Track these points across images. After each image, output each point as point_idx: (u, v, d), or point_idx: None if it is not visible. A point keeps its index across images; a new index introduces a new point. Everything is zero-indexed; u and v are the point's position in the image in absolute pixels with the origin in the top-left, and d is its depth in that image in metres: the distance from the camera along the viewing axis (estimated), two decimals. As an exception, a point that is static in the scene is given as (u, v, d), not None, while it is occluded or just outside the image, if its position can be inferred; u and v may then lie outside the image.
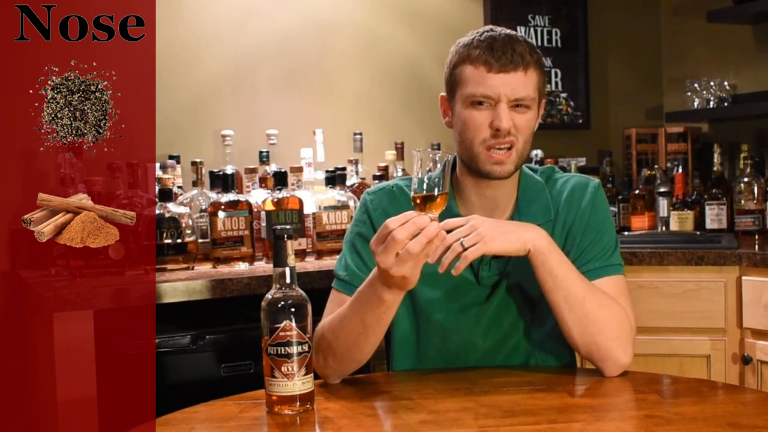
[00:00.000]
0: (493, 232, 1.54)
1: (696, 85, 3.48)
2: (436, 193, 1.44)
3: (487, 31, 1.66)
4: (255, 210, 2.54)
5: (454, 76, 1.67)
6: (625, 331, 1.62)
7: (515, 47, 1.62)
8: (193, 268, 2.40)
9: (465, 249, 1.51)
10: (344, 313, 1.57)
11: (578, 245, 1.69)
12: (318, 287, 2.04)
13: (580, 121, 3.69)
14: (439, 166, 1.45)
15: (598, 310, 1.60)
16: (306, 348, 1.41)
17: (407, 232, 1.40)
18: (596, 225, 1.71)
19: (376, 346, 1.60)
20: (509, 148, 1.64)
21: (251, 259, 2.47)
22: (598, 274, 1.67)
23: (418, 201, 1.45)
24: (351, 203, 2.64)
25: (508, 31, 1.67)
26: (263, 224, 2.52)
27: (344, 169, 2.84)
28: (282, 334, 1.40)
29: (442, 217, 1.48)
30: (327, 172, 2.70)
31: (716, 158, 3.21)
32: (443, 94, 1.73)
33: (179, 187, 2.66)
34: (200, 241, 2.49)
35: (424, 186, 1.44)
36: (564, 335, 1.63)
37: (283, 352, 1.40)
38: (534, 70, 1.64)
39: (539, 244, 1.56)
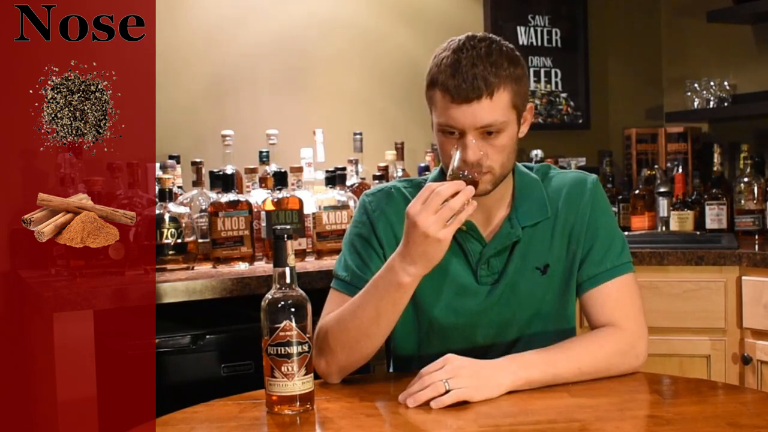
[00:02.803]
0: (475, 381, 1.46)
1: (696, 85, 3.47)
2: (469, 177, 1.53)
3: (456, 50, 1.57)
4: (255, 210, 2.54)
5: (428, 96, 1.63)
6: (627, 347, 1.62)
7: (477, 72, 1.53)
8: (193, 268, 2.40)
9: (447, 391, 1.44)
10: (356, 302, 1.58)
11: (583, 246, 1.69)
12: (318, 287, 2.03)
13: (580, 121, 3.69)
14: None
15: (597, 365, 1.58)
16: (306, 348, 1.41)
17: (451, 189, 1.46)
18: (598, 222, 1.71)
19: (384, 339, 1.60)
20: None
21: (251, 259, 2.47)
22: (610, 275, 1.68)
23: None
24: (351, 203, 2.64)
25: (480, 42, 1.57)
26: (263, 224, 2.52)
27: (344, 169, 2.83)
28: (282, 334, 1.40)
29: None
30: (327, 172, 2.70)
31: (716, 158, 3.21)
32: None
33: (179, 187, 2.66)
34: (200, 241, 2.49)
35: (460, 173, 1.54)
36: None
37: (283, 352, 1.40)
38: (504, 90, 1.55)
39: (518, 383, 1.51)
